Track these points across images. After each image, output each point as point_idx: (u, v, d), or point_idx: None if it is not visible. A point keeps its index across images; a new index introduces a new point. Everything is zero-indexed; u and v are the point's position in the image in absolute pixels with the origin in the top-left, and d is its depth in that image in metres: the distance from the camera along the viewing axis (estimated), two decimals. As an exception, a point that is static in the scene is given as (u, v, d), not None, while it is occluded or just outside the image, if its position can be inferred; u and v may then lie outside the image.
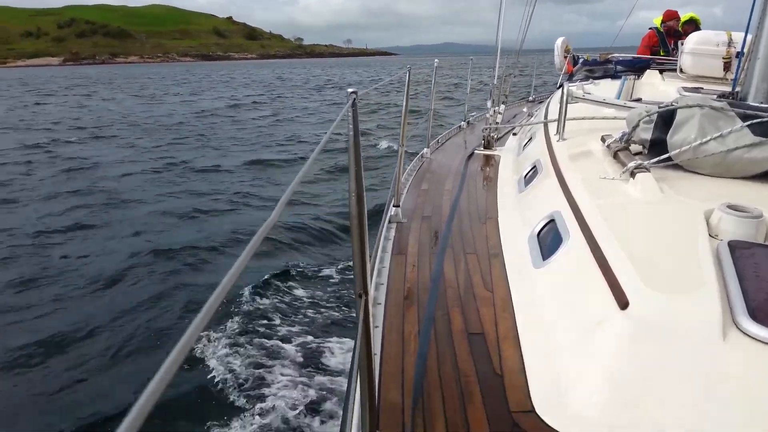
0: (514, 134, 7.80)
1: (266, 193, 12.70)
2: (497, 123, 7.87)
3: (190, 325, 0.60)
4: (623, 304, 2.01)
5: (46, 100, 43.95)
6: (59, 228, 10.20)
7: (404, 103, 4.60)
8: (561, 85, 6.04)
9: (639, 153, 3.50)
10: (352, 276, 7.72)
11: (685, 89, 5.47)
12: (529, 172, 4.62)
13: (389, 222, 4.39)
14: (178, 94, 48.42)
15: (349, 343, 5.79)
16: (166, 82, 69.96)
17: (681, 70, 6.84)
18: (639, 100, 5.45)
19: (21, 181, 14.53)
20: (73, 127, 26.44)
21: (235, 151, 18.78)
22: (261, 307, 6.77)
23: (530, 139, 5.92)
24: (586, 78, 7.74)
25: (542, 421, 1.99)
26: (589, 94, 5.15)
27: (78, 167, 16.11)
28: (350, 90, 1.76)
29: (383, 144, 17.68)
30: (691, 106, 3.35)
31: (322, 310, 6.75)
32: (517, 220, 3.96)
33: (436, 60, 7.23)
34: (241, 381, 5.16)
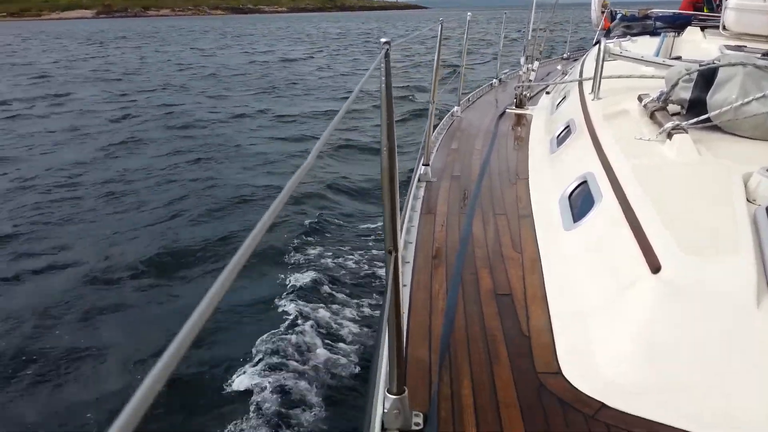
0: (548, 93, 7.62)
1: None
2: (530, 81, 7.71)
3: (219, 275, 0.59)
4: (655, 267, 1.99)
5: (103, 52, 44.23)
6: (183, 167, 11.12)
7: (435, 59, 4.51)
8: (597, 42, 5.86)
9: (677, 113, 3.40)
10: (381, 234, 7.75)
11: (728, 47, 5.26)
12: (562, 132, 4.53)
13: (419, 181, 4.37)
14: (228, 47, 48.70)
15: (376, 300, 5.86)
16: (212, 35, 69.68)
17: (724, 27, 6.55)
18: (678, 58, 5.25)
19: (129, 129, 15.02)
20: (146, 78, 26.91)
21: (306, 99, 19.48)
22: (291, 262, 6.89)
23: (564, 98, 5.78)
24: (624, 34, 7.46)
25: (569, 382, 1.99)
26: (626, 51, 4.98)
27: (171, 113, 16.92)
28: (383, 40, 1.71)
29: (413, 102, 17.44)
30: (733, 65, 3.22)
31: (351, 266, 6.82)
32: (548, 181, 3.91)
33: (468, 14, 7.05)
34: (270, 334, 5.28)
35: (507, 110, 7.08)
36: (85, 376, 4.98)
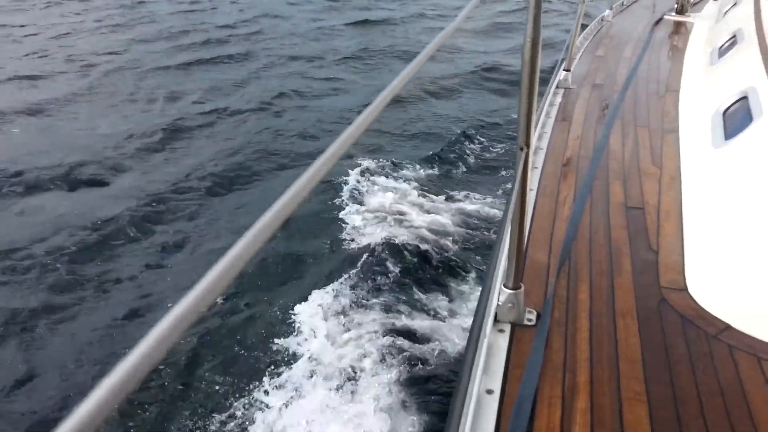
0: None
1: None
2: (697, -16, 6.85)
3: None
4: None
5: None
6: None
7: None
8: None
9: None
10: (509, 132, 7.50)
11: None
12: (727, 42, 4.04)
13: (557, 87, 4.16)
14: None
15: (500, 198, 5.87)
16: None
17: None
18: None
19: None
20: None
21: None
22: (418, 144, 7.02)
23: (735, 4, 5.11)
24: None
25: (694, 300, 1.91)
26: None
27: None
28: None
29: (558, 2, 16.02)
30: None
31: (480, 158, 6.87)
32: (702, 94, 3.57)
33: None
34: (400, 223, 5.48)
35: (665, 17, 6.39)
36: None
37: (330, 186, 6.09)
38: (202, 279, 0.49)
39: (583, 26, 5.64)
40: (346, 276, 4.74)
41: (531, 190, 2.71)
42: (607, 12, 6.38)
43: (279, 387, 3.82)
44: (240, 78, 10.28)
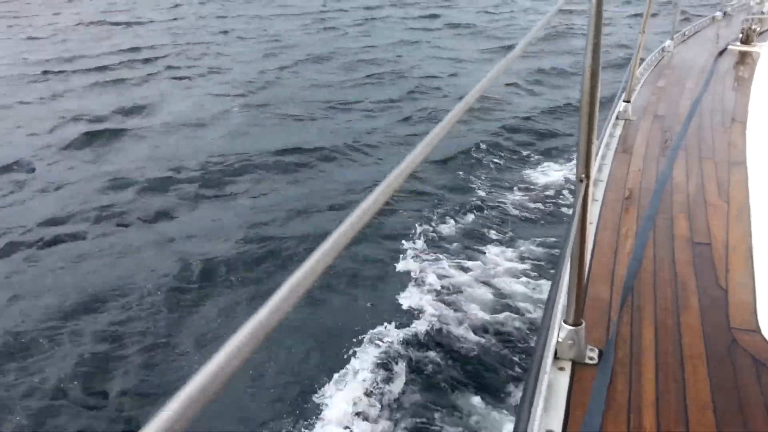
0: None
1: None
2: (763, 13, 6.64)
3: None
4: None
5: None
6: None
7: None
8: None
9: None
10: (566, 163, 7.43)
11: None
12: None
13: (616, 118, 4.08)
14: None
15: (557, 231, 5.75)
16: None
17: None
18: None
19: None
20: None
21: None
22: (476, 174, 6.98)
23: None
24: None
25: (767, 341, 1.80)
26: None
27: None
28: None
29: (616, 34, 15.81)
30: None
31: (534, 194, 6.73)
32: None
33: None
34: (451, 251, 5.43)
35: (730, 47, 6.21)
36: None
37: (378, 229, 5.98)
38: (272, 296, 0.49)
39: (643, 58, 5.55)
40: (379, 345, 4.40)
41: (591, 223, 2.64)
42: (668, 42, 6.26)
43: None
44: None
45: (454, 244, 5.67)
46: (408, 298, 4.87)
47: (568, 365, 1.80)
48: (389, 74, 12.40)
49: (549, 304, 1.71)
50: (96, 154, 8.55)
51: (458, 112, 0.87)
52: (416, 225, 6.01)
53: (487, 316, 4.56)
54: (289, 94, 11.14)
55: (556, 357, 1.81)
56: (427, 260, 5.38)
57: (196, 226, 6.40)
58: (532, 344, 3.38)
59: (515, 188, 6.90)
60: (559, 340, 1.81)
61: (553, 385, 1.73)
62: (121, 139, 9.06)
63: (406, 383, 3.99)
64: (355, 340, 4.42)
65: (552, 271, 4.18)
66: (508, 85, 10.77)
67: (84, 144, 8.84)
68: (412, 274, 5.21)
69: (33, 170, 7.83)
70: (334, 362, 4.25)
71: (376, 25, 18.33)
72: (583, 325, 1.80)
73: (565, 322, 1.80)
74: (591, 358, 1.82)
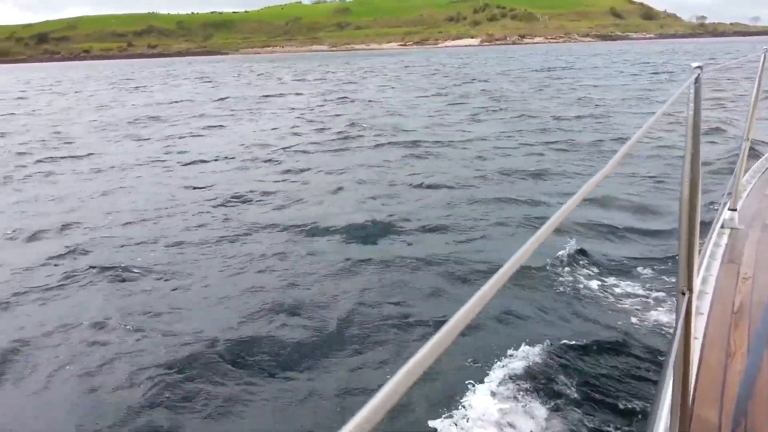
0: None
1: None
2: None
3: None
4: None
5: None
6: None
7: (755, 90, 3.89)
8: None
9: None
10: (664, 270, 6.35)
11: None
12: None
13: (721, 227, 3.82)
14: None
15: (654, 346, 4.59)
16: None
17: None
18: None
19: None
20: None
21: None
22: (557, 282, 5.92)
23: None
24: None
25: None
26: None
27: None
28: (695, 65, 1.55)
29: (719, 137, 13.91)
30: None
31: (629, 302, 5.47)
32: None
33: None
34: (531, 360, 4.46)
35: None
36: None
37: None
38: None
39: (749, 166, 5.24)
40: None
41: (696, 338, 2.43)
42: None
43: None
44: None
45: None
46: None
47: None
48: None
49: (648, 427, 1.41)
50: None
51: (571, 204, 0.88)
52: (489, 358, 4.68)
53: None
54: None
55: None
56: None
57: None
58: None
59: (606, 308, 5.43)
60: None
61: None
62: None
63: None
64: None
65: (653, 392, 3.68)
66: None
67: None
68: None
69: None
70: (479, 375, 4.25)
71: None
72: None
73: None
74: None
